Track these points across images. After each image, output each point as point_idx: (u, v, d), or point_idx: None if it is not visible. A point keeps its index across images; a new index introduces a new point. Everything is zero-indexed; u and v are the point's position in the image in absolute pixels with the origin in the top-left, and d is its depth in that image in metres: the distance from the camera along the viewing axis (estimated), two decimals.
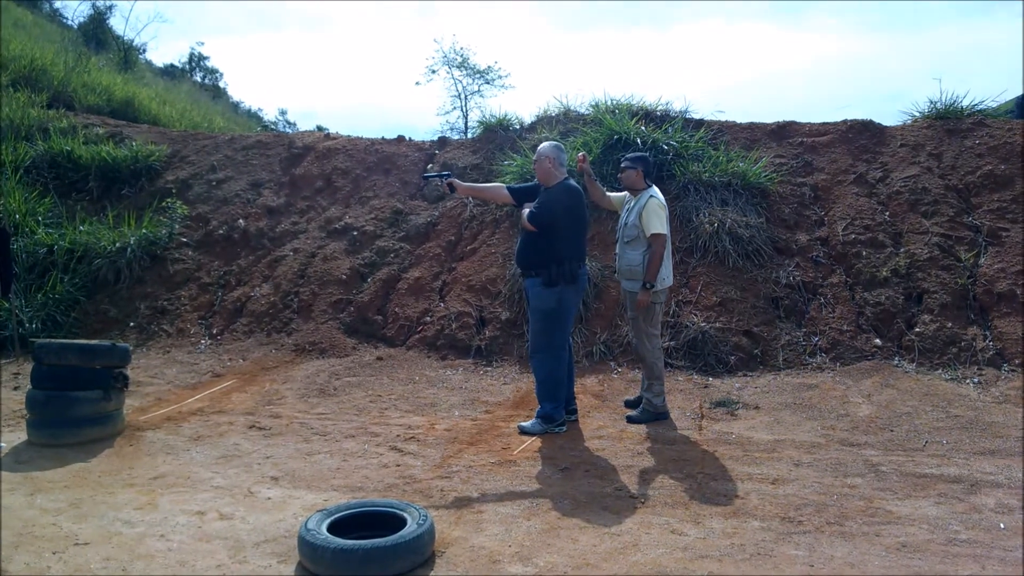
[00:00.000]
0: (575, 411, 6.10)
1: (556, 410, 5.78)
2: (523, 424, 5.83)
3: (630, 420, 6.04)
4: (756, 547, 3.78)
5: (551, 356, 5.74)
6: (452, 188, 6.10)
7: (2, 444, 5.46)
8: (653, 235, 5.76)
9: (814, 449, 5.30)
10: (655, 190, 6.01)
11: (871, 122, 9.52)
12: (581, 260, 5.79)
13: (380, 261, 9.12)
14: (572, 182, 5.84)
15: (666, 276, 5.95)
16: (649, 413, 6.05)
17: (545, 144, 5.91)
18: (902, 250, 7.94)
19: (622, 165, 6.14)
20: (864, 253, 7.97)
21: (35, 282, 8.92)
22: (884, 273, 7.71)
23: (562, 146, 5.92)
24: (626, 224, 6.01)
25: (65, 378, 5.44)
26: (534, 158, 5.97)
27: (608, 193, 6.39)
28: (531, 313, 5.98)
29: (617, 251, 6.20)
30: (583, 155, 6.11)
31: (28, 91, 12.99)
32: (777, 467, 4.96)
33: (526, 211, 5.73)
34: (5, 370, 7.64)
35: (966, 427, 5.64)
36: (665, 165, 8.99)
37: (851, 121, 9.58)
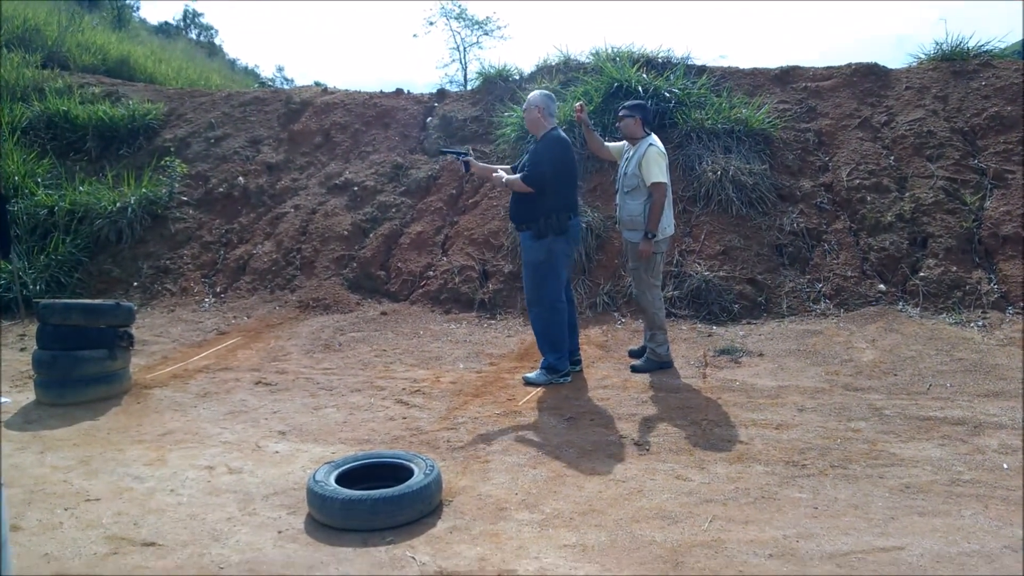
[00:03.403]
0: (579, 361, 6.10)
1: (559, 360, 5.78)
2: (528, 375, 5.85)
3: (634, 369, 6.05)
4: (760, 491, 3.81)
5: (546, 308, 5.73)
6: (468, 167, 6.00)
7: (6, 400, 5.51)
8: (654, 184, 5.68)
9: (818, 394, 5.31)
10: (654, 138, 5.91)
11: (876, 65, 9.38)
12: (572, 211, 5.71)
13: (381, 216, 9.08)
14: (560, 132, 5.76)
15: (667, 225, 5.88)
16: (653, 362, 6.05)
17: (535, 93, 5.84)
18: (907, 194, 7.87)
19: (620, 114, 6.04)
20: (869, 198, 7.91)
21: (37, 244, 8.92)
22: (889, 218, 7.66)
23: (552, 95, 5.84)
24: (625, 174, 5.93)
25: (70, 338, 5.45)
26: (523, 107, 5.89)
27: (607, 143, 6.32)
28: (524, 267, 5.96)
29: (617, 201, 6.14)
30: (580, 104, 6.03)
31: (22, 51, 12.85)
32: (781, 412, 4.98)
33: (517, 176, 5.68)
34: (10, 331, 7.67)
35: (970, 370, 5.64)
36: (667, 113, 8.89)
37: (856, 65, 9.44)
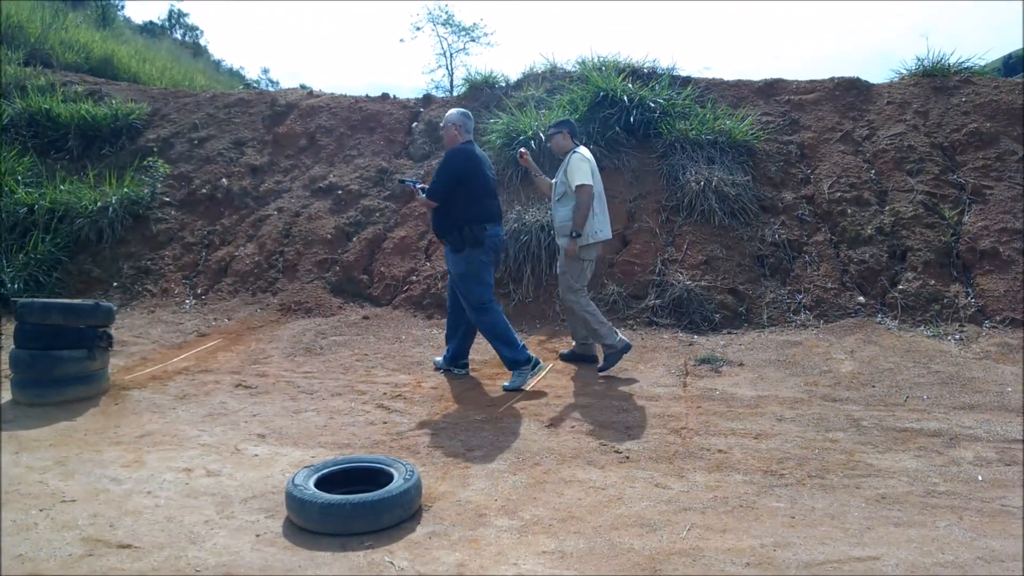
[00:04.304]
0: (466, 365, 6.28)
1: (518, 352, 5.86)
2: (506, 384, 5.88)
3: (601, 370, 6.17)
4: (739, 500, 3.83)
5: (483, 312, 5.87)
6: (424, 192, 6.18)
7: None
8: (578, 186, 5.93)
9: (797, 405, 5.36)
10: (580, 148, 6.18)
11: (858, 80, 9.50)
12: (487, 221, 5.83)
13: (365, 220, 9.07)
14: (469, 146, 5.92)
15: (599, 229, 6.10)
16: (614, 354, 6.14)
17: (453, 111, 6.03)
18: (887, 208, 7.96)
19: (549, 132, 6.42)
20: (849, 211, 7.99)
21: (16, 242, 8.83)
22: (869, 231, 7.75)
23: (469, 114, 6.05)
24: (556, 183, 6.20)
25: (49, 337, 5.40)
26: (442, 124, 6.11)
27: (552, 180, 6.51)
28: (450, 279, 6.13)
29: (551, 210, 6.36)
30: (523, 151, 6.38)
31: (4, 48, 12.73)
32: (760, 422, 5.01)
33: (420, 189, 5.99)
34: None
35: (946, 382, 5.71)
36: (652, 123, 8.95)
37: (838, 79, 9.56)
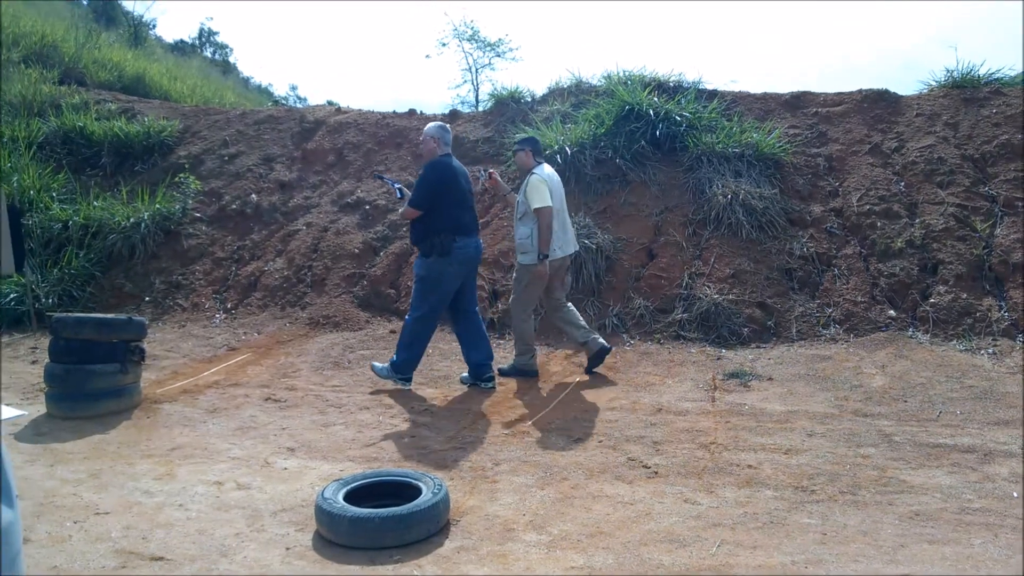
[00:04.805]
0: (491, 378, 6.34)
1: (407, 364, 6.19)
2: (375, 364, 6.36)
3: (501, 371, 6.55)
4: (769, 516, 3.80)
5: (418, 319, 6.14)
6: (401, 194, 6.43)
7: (21, 412, 5.54)
8: (536, 209, 6.12)
9: (827, 420, 5.30)
10: (540, 167, 6.39)
11: (887, 91, 9.42)
12: (457, 233, 5.99)
13: (392, 235, 9.13)
14: (446, 159, 6.12)
15: (558, 247, 6.26)
16: (516, 370, 6.53)
17: (431, 125, 6.24)
18: (917, 221, 7.88)
19: (514, 148, 6.68)
20: (879, 224, 7.92)
21: (51, 257, 8.99)
22: (899, 244, 7.67)
23: (446, 127, 6.28)
24: (518, 202, 6.40)
25: (82, 351, 5.48)
26: (421, 138, 6.39)
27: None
28: (414, 279, 6.38)
29: (514, 227, 6.57)
30: (491, 172, 6.78)
31: (40, 67, 13.01)
32: (790, 437, 4.97)
33: (398, 190, 6.39)
34: (23, 344, 7.73)
35: (980, 397, 5.62)
36: (678, 136, 8.94)
37: (866, 91, 9.49)
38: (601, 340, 6.55)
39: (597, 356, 6.50)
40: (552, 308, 6.67)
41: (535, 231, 6.13)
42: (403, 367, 6.18)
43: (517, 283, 6.49)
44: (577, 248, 6.67)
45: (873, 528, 3.64)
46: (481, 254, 6.52)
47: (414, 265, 6.31)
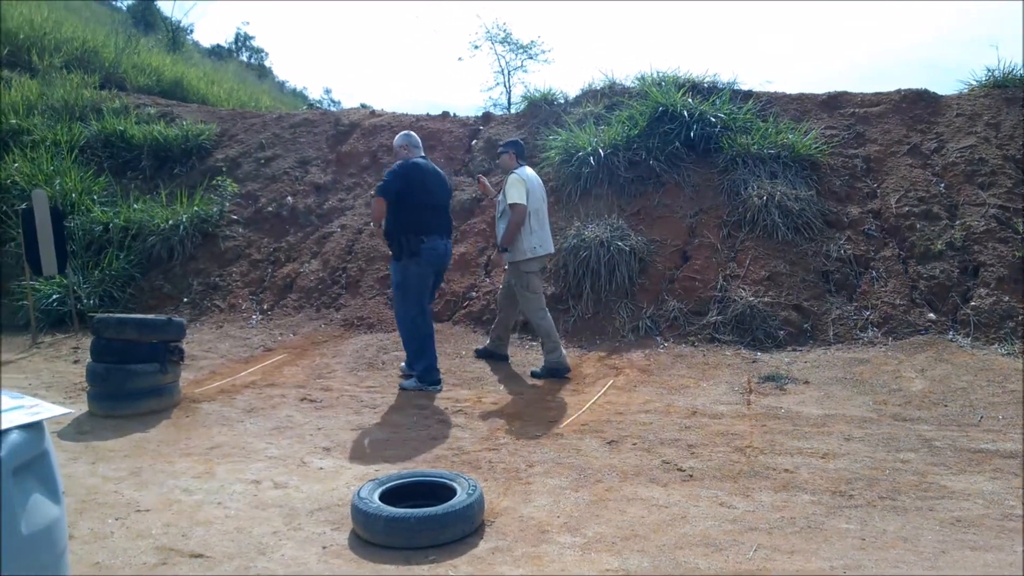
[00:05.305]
0: (506, 357, 6.97)
1: (428, 370, 6.25)
2: (403, 383, 6.33)
3: (533, 374, 6.63)
4: (806, 520, 3.76)
5: (406, 323, 6.28)
6: None
7: (68, 410, 5.63)
8: (510, 205, 6.40)
9: (865, 424, 5.23)
10: (521, 168, 6.62)
11: (926, 91, 9.28)
12: (424, 233, 6.07)
13: None
14: (419, 160, 6.31)
15: (537, 245, 6.50)
16: (550, 371, 6.57)
17: (397, 136, 6.61)
18: (958, 222, 7.75)
19: (498, 151, 7.07)
20: (918, 226, 7.80)
21: (92, 259, 9.16)
22: (939, 246, 7.54)
23: (411, 134, 6.58)
24: (499, 202, 6.66)
25: (124, 351, 5.58)
26: (393, 151, 6.67)
27: None
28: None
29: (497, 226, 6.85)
30: (480, 177, 7.42)
31: (81, 72, 13.28)
32: (827, 441, 4.91)
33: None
34: (65, 344, 7.88)
35: (1022, 402, 5.51)
36: (712, 137, 8.89)
37: (905, 91, 9.35)
38: (507, 352, 7.08)
39: (490, 357, 7.05)
40: (505, 300, 6.96)
41: (507, 225, 6.43)
42: (427, 375, 6.26)
43: (517, 287, 6.64)
44: (552, 250, 6.87)
45: (913, 534, 3.59)
46: (450, 257, 6.62)
47: (390, 269, 6.46)
